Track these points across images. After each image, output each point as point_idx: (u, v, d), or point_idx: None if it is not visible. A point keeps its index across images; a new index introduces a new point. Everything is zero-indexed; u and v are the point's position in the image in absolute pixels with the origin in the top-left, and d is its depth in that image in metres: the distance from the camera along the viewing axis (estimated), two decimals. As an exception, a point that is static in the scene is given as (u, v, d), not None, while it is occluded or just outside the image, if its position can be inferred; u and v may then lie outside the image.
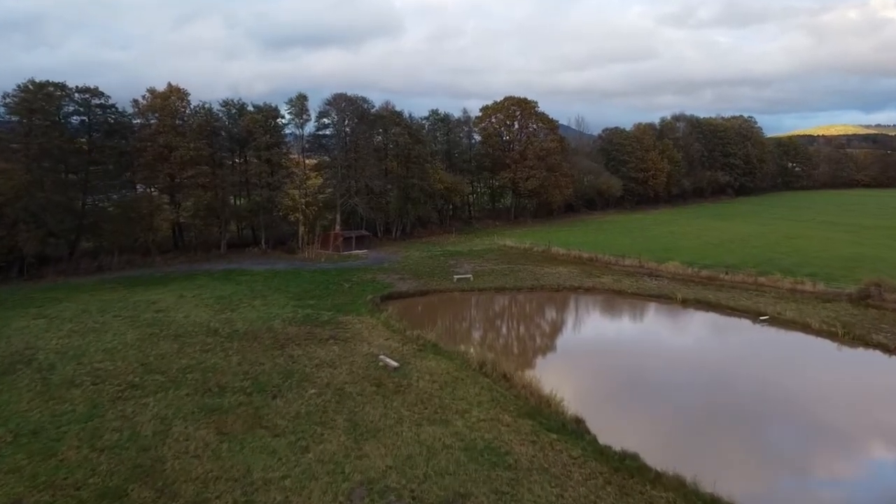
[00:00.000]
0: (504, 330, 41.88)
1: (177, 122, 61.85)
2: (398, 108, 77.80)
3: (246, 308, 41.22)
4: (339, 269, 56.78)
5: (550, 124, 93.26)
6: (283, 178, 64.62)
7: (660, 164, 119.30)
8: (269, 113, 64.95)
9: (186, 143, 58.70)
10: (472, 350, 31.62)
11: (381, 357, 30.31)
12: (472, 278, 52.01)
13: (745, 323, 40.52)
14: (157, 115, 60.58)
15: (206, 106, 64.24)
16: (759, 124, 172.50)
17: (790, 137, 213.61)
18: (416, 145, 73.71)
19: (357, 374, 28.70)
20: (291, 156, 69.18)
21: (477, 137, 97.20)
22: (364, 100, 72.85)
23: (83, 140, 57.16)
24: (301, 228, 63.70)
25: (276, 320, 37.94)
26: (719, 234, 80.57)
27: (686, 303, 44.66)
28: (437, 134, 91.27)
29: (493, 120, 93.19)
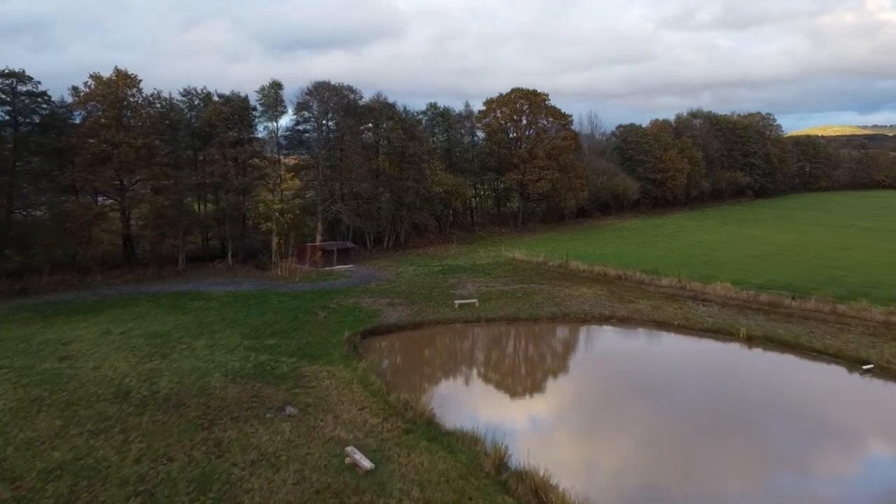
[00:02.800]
0: (524, 385, 31.65)
1: (126, 113, 52.02)
2: (391, 101, 67.78)
3: (182, 352, 31.33)
4: (317, 290, 46.91)
5: (563, 119, 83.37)
6: (254, 180, 54.72)
7: (679, 163, 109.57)
8: (237, 103, 55.07)
9: (133, 139, 48.83)
10: (482, 432, 21.69)
11: (349, 450, 20.40)
12: (477, 304, 42.21)
13: (840, 373, 30.67)
14: (100, 105, 50.70)
15: (163, 95, 54.34)
16: (777, 121, 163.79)
17: (808, 136, 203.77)
18: (410, 142, 63.79)
19: (309, 482, 18.79)
20: (265, 154, 59.17)
21: (480, 135, 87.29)
22: (351, 89, 62.99)
23: (7, 135, 47.30)
24: (275, 240, 53.82)
25: (217, 374, 28.05)
26: (757, 243, 70.88)
27: (753, 341, 34.80)
28: (436, 130, 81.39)
29: (499, 114, 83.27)
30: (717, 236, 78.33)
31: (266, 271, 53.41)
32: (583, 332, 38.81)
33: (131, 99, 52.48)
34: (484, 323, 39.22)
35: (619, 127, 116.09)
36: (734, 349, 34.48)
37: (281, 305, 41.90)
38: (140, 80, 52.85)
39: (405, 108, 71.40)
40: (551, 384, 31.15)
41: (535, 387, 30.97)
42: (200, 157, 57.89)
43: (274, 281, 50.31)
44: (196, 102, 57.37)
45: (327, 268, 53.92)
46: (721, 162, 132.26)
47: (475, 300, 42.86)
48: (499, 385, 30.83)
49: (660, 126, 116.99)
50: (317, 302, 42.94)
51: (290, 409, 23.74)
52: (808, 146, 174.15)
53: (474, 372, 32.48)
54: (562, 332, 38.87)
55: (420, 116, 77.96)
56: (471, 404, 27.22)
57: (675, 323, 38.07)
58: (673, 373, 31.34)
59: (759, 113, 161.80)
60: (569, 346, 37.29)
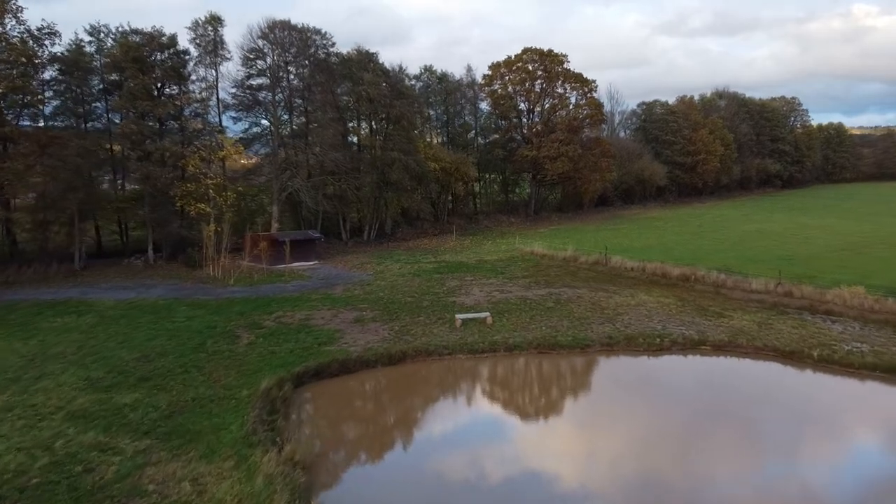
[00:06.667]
0: None
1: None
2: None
3: (-58, 426, 16.68)
4: (254, 297, 32.27)
5: (586, 85, 68.45)
6: (176, 144, 39.99)
7: (712, 145, 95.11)
8: (155, 42, 40.22)
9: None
10: None
11: None
12: (490, 319, 27.66)
13: None
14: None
15: (59, 30, 39.38)
16: (803, 106, 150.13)
17: (832, 124, 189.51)
18: (397, 100, 48.83)
19: None
20: (200, 113, 44.31)
21: (485, 107, 72.58)
22: (319, 33, 48.25)
23: None
24: (208, 229, 39.00)
25: (-49, 492, 13.45)
26: (830, 234, 56.50)
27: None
28: (432, 99, 66.79)
29: (508, 79, 68.40)
30: (772, 226, 63.95)
31: (196, 270, 38.78)
32: (665, 368, 24.12)
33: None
34: (502, 353, 24.61)
35: (641, 104, 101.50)
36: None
37: (187, 324, 27.23)
38: (21, 9, 38.08)
39: (394, 67, 56.64)
40: None
41: None
42: (116, 120, 43.26)
43: (199, 284, 35.62)
44: (109, 45, 42.61)
45: (280, 265, 39.25)
46: (750, 147, 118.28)
47: (486, 313, 28.28)
48: None
49: (687, 103, 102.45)
50: (246, 317, 28.32)
51: None
52: (833, 134, 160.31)
53: (497, 480, 17.56)
54: (631, 369, 24.16)
55: (413, 82, 63.45)
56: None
57: (815, 354, 23.45)
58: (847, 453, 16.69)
59: (783, 97, 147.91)
60: (660, 404, 22.16)
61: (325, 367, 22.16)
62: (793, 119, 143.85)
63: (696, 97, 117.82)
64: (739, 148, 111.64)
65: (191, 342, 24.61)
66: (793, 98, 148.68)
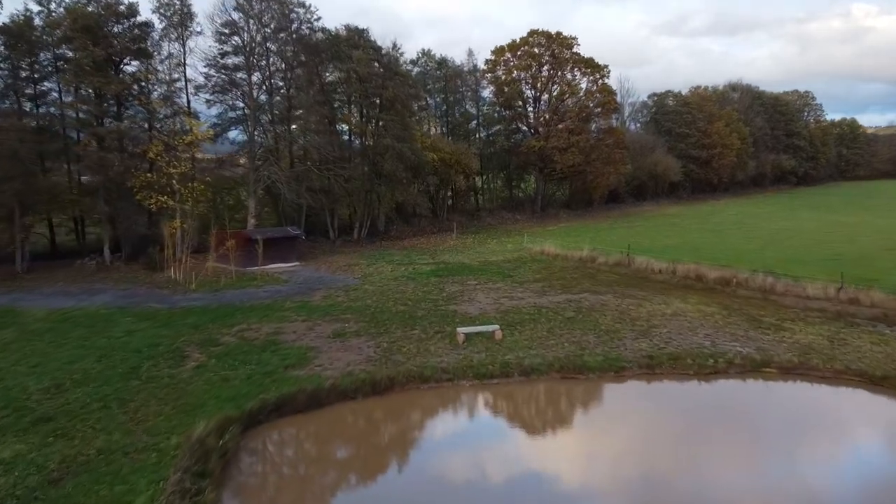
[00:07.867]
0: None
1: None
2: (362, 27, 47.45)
3: None
4: (215, 306, 27.09)
5: (598, 71, 63.13)
6: (132, 126, 34.88)
7: (728, 138, 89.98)
8: (112, 10, 35.00)
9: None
10: None
11: None
12: (498, 333, 22.48)
13: None
14: None
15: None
16: (818, 100, 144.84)
17: (845, 120, 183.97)
18: (390, 81, 43.53)
19: None
20: (168, 95, 39.02)
21: (488, 96, 67.40)
22: (304, 6, 43.09)
23: None
24: (171, 224, 33.82)
25: None
26: (865, 231, 51.69)
27: None
28: (430, 85, 61.65)
29: (513, 64, 63.12)
30: (802, 224, 58.85)
31: (156, 273, 33.61)
32: (713, 401, 18.97)
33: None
34: (517, 378, 19.44)
35: (652, 95, 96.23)
36: None
37: (125, 340, 22.07)
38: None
39: (387, 47, 51.33)
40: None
41: None
42: (68, 99, 37.98)
43: (155, 289, 30.47)
44: (59, 13, 37.35)
45: (253, 267, 34.04)
46: (765, 142, 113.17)
47: (495, 326, 23.08)
48: None
49: (701, 95, 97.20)
50: (201, 331, 23.15)
51: None
52: (847, 130, 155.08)
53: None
54: (692, 400, 18.97)
55: (410, 67, 58.35)
56: None
57: (917, 381, 18.34)
58: None
59: (796, 91, 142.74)
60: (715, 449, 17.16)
61: (288, 399, 16.98)
62: (806, 113, 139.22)
63: (710, 88, 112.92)
64: (754, 142, 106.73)
65: (123, 365, 19.48)
66: (806, 92, 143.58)
